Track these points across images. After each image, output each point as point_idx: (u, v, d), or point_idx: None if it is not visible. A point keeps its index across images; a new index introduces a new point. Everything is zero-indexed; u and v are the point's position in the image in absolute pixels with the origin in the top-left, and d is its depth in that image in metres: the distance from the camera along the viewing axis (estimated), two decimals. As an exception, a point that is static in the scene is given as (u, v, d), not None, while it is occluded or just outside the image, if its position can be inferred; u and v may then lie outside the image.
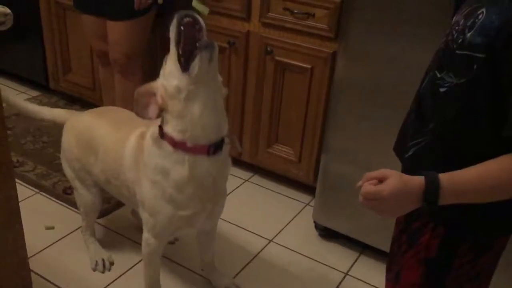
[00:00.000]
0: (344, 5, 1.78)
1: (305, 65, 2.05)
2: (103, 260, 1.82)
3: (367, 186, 0.94)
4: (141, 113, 1.34)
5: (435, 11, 1.53)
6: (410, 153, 1.03)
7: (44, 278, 1.75)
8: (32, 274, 1.47)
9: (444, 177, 0.89)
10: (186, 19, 1.25)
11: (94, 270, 1.81)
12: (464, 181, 0.90)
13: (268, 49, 2.10)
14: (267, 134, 2.28)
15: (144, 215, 1.50)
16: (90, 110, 1.86)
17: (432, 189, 0.89)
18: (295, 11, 1.98)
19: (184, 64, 1.26)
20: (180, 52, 1.27)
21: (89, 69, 2.77)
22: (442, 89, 0.95)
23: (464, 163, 0.91)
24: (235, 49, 2.20)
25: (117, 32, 2.15)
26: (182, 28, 1.25)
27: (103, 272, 1.80)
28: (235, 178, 2.43)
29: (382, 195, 0.92)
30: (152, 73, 2.49)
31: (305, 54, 2.04)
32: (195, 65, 1.24)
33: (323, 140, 1.96)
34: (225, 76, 2.29)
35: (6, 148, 1.18)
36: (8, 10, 1.05)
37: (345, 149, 1.85)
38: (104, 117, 1.74)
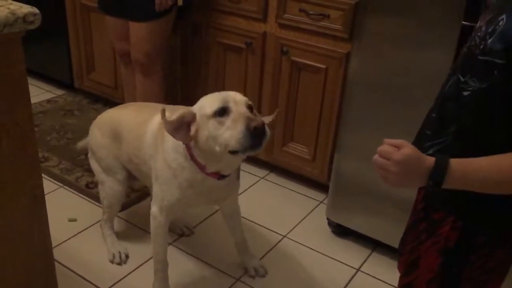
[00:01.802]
0: (358, 6, 1.82)
1: (320, 65, 2.09)
2: (119, 252, 1.90)
3: (385, 146, 0.98)
4: (171, 132, 1.36)
5: (448, 15, 1.56)
6: (429, 152, 1.06)
7: (66, 267, 1.83)
8: (55, 263, 1.54)
9: (455, 161, 0.93)
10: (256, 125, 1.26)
11: (112, 262, 1.88)
12: (474, 168, 0.93)
13: (284, 49, 2.15)
14: (282, 132, 2.33)
15: (155, 188, 1.60)
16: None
17: (440, 168, 0.92)
18: (311, 12, 2.03)
19: (233, 144, 1.28)
20: (239, 137, 1.27)
21: (111, 69, 2.86)
22: (465, 93, 0.98)
23: None
24: (252, 50, 2.25)
25: (139, 33, 2.23)
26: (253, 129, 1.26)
27: (119, 264, 1.87)
28: (251, 175, 2.49)
29: (394, 157, 0.94)
30: (172, 73, 2.57)
31: (320, 54, 2.08)
32: (239, 154, 1.31)
33: (337, 139, 2.00)
34: (241, 75, 2.35)
35: (32, 140, 1.26)
36: (36, 10, 1.12)
37: (358, 147, 1.88)
38: (125, 107, 1.93)
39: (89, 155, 1.92)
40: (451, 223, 1.04)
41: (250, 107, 1.35)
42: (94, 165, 1.90)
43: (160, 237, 1.65)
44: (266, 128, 1.29)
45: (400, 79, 1.72)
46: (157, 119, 1.60)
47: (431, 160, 0.94)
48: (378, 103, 1.79)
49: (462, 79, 1.00)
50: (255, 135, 1.26)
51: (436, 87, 1.65)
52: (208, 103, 1.36)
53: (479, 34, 0.97)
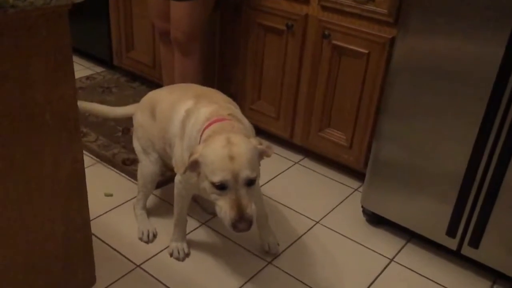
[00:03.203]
0: (405, -11, 1.75)
1: (362, 50, 2.04)
2: (148, 231, 1.92)
3: None
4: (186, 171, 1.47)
5: (504, 3, 1.49)
6: None
7: (102, 240, 1.87)
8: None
9: None
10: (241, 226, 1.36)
11: (140, 239, 1.90)
12: None
13: (326, 33, 2.11)
14: (319, 118, 2.30)
15: (173, 162, 1.69)
16: None
17: None
18: (355, -5, 1.98)
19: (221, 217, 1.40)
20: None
21: (150, 48, 2.88)
22: None
23: None
24: (293, 32, 2.22)
25: (179, 12, 2.22)
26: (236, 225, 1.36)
27: (147, 243, 1.89)
28: (285, 160, 2.47)
29: None
30: (210, 53, 2.56)
31: (362, 39, 2.03)
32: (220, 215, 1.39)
33: (376, 126, 1.95)
34: (280, 58, 2.31)
35: (74, 114, 1.27)
36: (83, -15, 1.13)
37: (398, 136, 1.83)
38: (164, 88, 1.97)
39: (133, 134, 1.97)
40: None
41: (249, 183, 1.37)
42: (135, 143, 1.94)
43: (181, 202, 1.75)
44: (253, 218, 1.37)
45: (446, 69, 1.65)
46: (183, 107, 1.65)
47: None
48: (422, 92, 1.73)
49: None
50: (240, 225, 1.36)
51: (485, 80, 1.59)
52: (211, 161, 1.37)
53: None
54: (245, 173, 1.35)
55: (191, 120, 1.58)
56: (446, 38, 1.63)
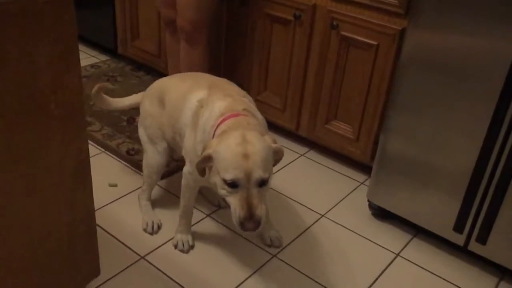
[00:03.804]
0: (417, -20, 1.72)
1: (371, 42, 2.01)
2: (152, 222, 1.90)
3: None
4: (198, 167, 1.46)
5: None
6: None
7: (105, 231, 1.86)
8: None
9: None
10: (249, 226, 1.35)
11: (145, 230, 1.89)
12: None
13: (334, 23, 2.07)
14: (326, 110, 2.27)
15: (183, 152, 1.67)
16: None
17: None
18: (365, -15, 1.94)
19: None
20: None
21: (156, 36, 2.85)
22: None
23: None
24: (300, 22, 2.18)
25: (186, 0, 2.19)
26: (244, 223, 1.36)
27: (151, 234, 1.87)
28: (291, 152, 2.45)
29: None
30: (216, 43, 2.53)
31: (372, 30, 1.99)
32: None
33: (384, 120, 1.93)
34: (287, 49, 2.28)
35: (80, 104, 1.25)
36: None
37: (407, 130, 1.81)
38: (174, 76, 1.94)
39: (139, 123, 1.93)
40: None
41: (262, 183, 1.36)
42: (141, 133, 1.91)
43: (189, 193, 1.74)
44: (262, 219, 1.35)
45: (458, 63, 1.62)
46: (195, 97, 1.62)
47: None
48: (431, 85, 1.70)
49: None
50: (248, 224, 1.35)
51: (497, 76, 1.56)
52: (224, 158, 1.35)
53: None
54: (258, 173, 1.33)
55: (205, 113, 1.55)
56: (457, 32, 1.59)
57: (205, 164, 1.42)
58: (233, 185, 1.34)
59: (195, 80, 1.76)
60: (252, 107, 1.62)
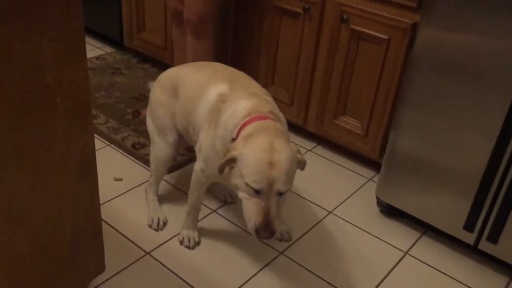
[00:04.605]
0: (430, -27, 1.67)
1: (382, 36, 1.97)
2: (158, 218, 1.87)
3: None
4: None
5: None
6: None
7: (111, 226, 1.84)
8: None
9: None
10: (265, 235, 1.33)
11: (150, 226, 1.86)
12: None
13: (344, 16, 2.03)
14: (335, 104, 2.24)
15: (198, 156, 1.63)
16: None
17: None
18: (377, -23, 1.90)
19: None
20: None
21: (162, 29, 2.81)
22: None
23: None
24: (310, 15, 2.14)
25: (193, -8, 2.16)
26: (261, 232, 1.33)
27: (156, 230, 1.85)
28: (298, 147, 2.42)
29: None
30: (223, 36, 2.50)
31: (383, 24, 1.95)
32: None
33: (394, 115, 1.89)
34: (296, 43, 2.25)
35: (86, 98, 1.23)
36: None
37: (417, 126, 1.77)
38: (188, 65, 1.89)
39: (147, 113, 1.89)
40: None
41: (281, 193, 1.34)
42: (149, 124, 1.86)
43: (198, 190, 1.71)
44: (277, 229, 1.34)
45: (471, 60, 1.58)
46: (215, 90, 1.57)
47: None
48: (444, 82, 1.66)
49: None
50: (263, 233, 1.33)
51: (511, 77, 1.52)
52: (249, 163, 1.32)
53: None
54: (281, 183, 1.31)
55: (228, 109, 1.50)
56: (472, 30, 1.55)
57: (228, 165, 1.39)
58: (255, 191, 1.32)
59: (213, 71, 1.71)
60: (275, 107, 1.58)
